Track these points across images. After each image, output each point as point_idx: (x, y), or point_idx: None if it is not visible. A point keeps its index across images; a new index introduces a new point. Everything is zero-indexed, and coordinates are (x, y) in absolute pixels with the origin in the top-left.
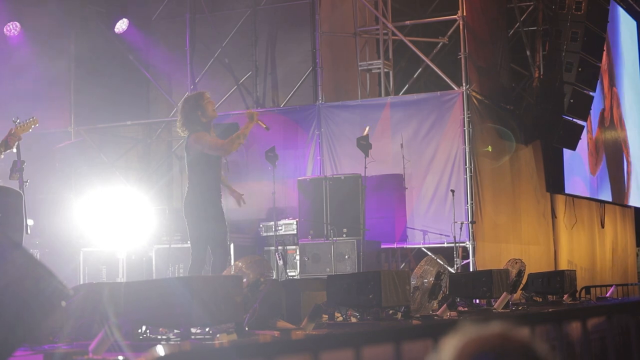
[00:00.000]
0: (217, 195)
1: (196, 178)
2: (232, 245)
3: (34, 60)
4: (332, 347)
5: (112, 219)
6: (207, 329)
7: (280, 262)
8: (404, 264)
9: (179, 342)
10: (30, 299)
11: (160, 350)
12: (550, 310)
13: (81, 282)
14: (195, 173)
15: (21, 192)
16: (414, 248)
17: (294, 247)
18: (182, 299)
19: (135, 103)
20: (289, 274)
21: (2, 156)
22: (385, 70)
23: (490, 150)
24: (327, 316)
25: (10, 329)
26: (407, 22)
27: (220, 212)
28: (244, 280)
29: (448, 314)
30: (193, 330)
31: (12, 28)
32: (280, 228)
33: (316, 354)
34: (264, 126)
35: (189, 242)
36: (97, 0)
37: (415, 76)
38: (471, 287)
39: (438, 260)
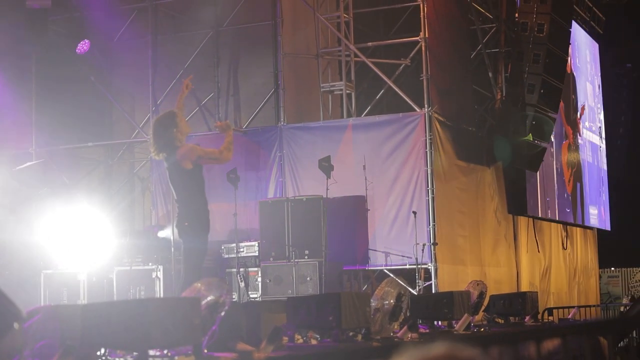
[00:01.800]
0: (207, 210)
1: (189, 193)
2: None
3: None
4: None
5: (73, 241)
6: (165, 352)
7: (242, 284)
8: (366, 286)
9: None
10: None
11: None
12: (506, 331)
13: (41, 304)
14: (187, 188)
15: None
16: (376, 270)
17: (255, 268)
18: (140, 321)
19: (97, 124)
20: (251, 295)
21: None
22: (348, 91)
23: None
24: (287, 338)
25: None
26: (370, 44)
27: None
28: (203, 302)
29: (409, 335)
30: (151, 352)
31: None
32: (241, 250)
33: None
34: (242, 131)
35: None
36: (58, 21)
37: (377, 98)
38: (432, 309)
39: (399, 281)
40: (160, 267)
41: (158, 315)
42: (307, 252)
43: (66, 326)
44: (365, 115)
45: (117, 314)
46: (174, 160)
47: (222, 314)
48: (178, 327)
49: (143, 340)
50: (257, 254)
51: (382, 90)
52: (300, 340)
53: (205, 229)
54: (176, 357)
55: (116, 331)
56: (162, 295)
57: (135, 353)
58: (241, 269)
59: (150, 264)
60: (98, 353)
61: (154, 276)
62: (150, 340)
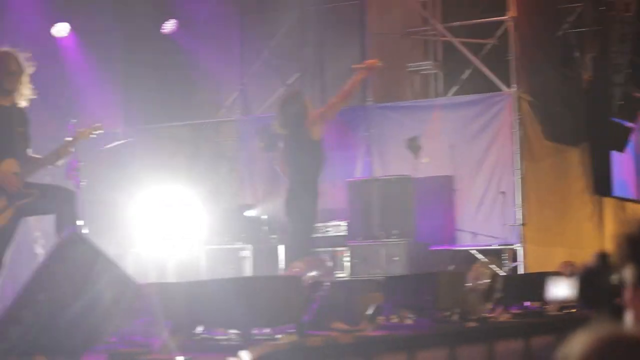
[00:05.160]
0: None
1: (307, 168)
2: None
3: (83, 60)
4: (429, 346)
5: (162, 220)
6: (267, 330)
7: (330, 264)
8: (452, 266)
9: (242, 342)
10: (115, 302)
11: (257, 351)
12: None
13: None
14: (307, 162)
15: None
16: (463, 250)
17: (342, 248)
18: (245, 299)
19: (183, 103)
20: (338, 275)
21: (61, 163)
22: (434, 71)
23: None
24: (383, 317)
25: (94, 329)
26: (457, 23)
27: None
28: (305, 280)
29: (503, 316)
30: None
31: (62, 29)
32: (329, 229)
33: (414, 354)
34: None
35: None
36: (146, 0)
37: (464, 78)
38: (525, 290)
39: (490, 264)
40: (249, 246)
41: (262, 294)
42: (395, 231)
43: (169, 303)
44: (452, 95)
45: (221, 292)
46: (303, 129)
47: (323, 292)
48: (281, 306)
49: (246, 318)
50: (344, 233)
51: (469, 70)
52: (395, 320)
53: (316, 208)
54: (278, 336)
55: (220, 309)
56: (251, 274)
57: (232, 331)
58: (329, 249)
59: (239, 243)
60: (196, 330)
61: (242, 255)
62: (253, 318)
